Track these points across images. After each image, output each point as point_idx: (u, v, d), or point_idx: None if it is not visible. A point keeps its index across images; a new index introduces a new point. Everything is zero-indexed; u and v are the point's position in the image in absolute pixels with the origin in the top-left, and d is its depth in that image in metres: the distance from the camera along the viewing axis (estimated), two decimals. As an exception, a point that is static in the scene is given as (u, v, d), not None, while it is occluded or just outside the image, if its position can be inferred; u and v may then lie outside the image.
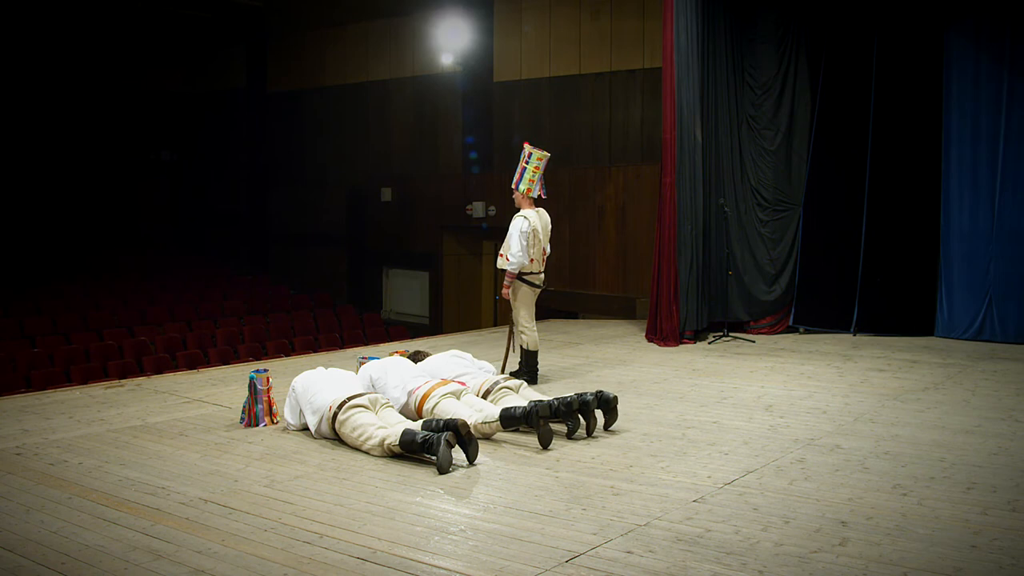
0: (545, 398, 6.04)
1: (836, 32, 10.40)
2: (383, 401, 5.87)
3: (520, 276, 7.58)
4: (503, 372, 7.64)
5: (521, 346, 7.74)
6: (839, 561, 3.80)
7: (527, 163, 7.59)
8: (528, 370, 7.70)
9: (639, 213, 12.42)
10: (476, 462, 5.26)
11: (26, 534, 4.24)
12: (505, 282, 7.58)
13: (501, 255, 7.59)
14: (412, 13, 15.47)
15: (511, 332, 7.90)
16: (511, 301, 7.68)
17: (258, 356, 11.27)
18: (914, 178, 9.98)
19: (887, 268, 10.07)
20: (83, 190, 17.43)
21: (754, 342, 9.77)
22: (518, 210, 7.64)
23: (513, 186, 7.66)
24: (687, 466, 5.22)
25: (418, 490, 4.84)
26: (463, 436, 5.21)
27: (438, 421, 5.43)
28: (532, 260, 7.56)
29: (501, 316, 15.11)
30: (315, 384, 6.00)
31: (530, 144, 7.70)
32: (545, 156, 7.61)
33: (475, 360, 6.89)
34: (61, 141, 17.12)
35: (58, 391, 7.90)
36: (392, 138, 16.33)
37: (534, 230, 7.52)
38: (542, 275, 7.73)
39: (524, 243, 7.44)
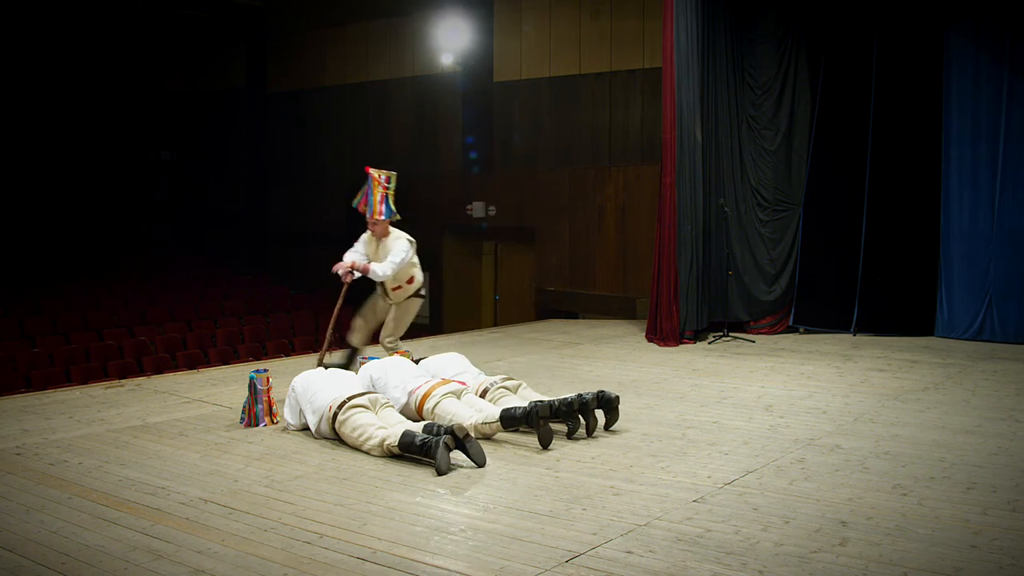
0: (545, 398, 6.05)
1: (836, 32, 10.41)
2: (383, 401, 5.87)
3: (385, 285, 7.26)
4: (319, 365, 7.11)
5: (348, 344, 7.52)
6: (839, 561, 3.80)
7: (388, 188, 7.03)
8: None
9: (639, 213, 12.42)
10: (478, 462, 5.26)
11: (26, 534, 4.24)
12: (359, 269, 7.17)
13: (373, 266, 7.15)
14: (412, 13, 15.46)
15: (333, 326, 7.61)
16: (392, 304, 7.39)
17: (258, 356, 11.28)
18: (914, 178, 9.98)
19: (887, 268, 10.07)
20: (83, 190, 17.41)
21: (754, 342, 9.77)
22: (381, 233, 7.22)
23: (378, 216, 7.07)
24: (687, 466, 5.22)
25: (418, 490, 4.84)
26: (461, 439, 5.21)
27: (439, 426, 5.42)
28: (412, 279, 7.26)
29: (501, 316, 15.13)
30: (315, 384, 6.01)
31: (373, 168, 7.15)
32: (394, 175, 7.15)
33: (472, 365, 6.89)
34: (61, 141, 17.11)
35: (58, 391, 7.90)
36: (392, 138, 16.31)
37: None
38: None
39: (400, 263, 7.07)
